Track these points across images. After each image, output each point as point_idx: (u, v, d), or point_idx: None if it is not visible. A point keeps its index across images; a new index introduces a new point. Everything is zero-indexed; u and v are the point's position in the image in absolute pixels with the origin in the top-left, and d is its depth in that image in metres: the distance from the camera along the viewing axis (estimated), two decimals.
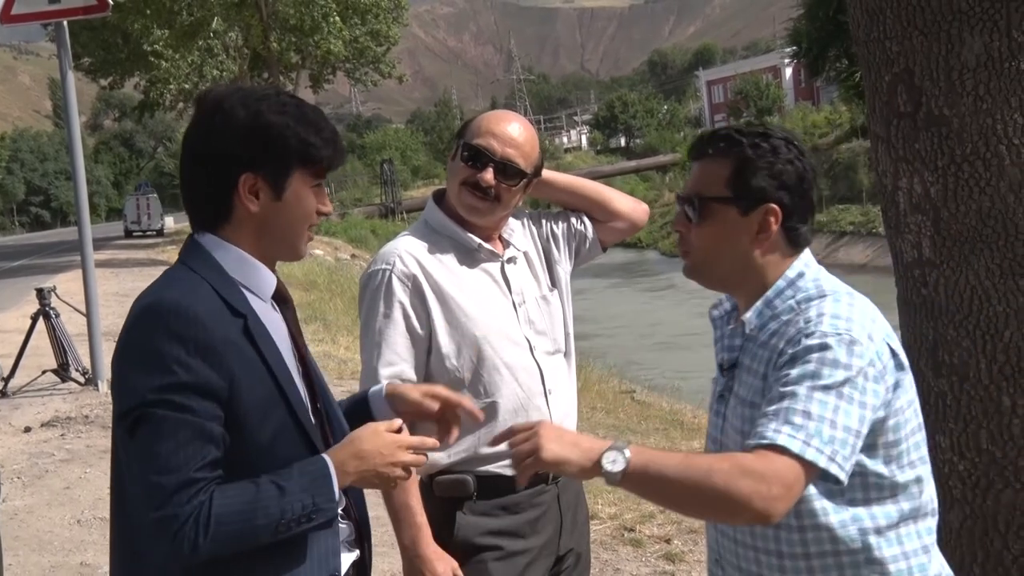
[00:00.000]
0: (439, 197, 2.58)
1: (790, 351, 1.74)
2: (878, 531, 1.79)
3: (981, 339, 2.32)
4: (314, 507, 1.64)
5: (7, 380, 8.74)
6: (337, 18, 26.90)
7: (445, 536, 2.40)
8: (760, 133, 1.88)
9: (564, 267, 2.66)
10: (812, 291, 1.84)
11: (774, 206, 1.84)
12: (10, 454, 6.82)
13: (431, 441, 1.81)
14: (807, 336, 1.73)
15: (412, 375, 2.40)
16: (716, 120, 70.59)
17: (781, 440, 1.63)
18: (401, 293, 2.41)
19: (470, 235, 2.49)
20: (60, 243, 38.83)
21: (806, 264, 1.89)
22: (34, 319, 9.19)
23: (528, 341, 2.49)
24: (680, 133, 69.49)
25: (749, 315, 1.86)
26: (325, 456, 1.70)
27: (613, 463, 1.66)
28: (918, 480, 1.83)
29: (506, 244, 2.58)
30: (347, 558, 1.81)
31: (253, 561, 1.65)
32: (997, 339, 2.32)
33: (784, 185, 1.85)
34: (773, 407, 1.69)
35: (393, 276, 2.42)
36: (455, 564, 2.38)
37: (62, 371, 9.01)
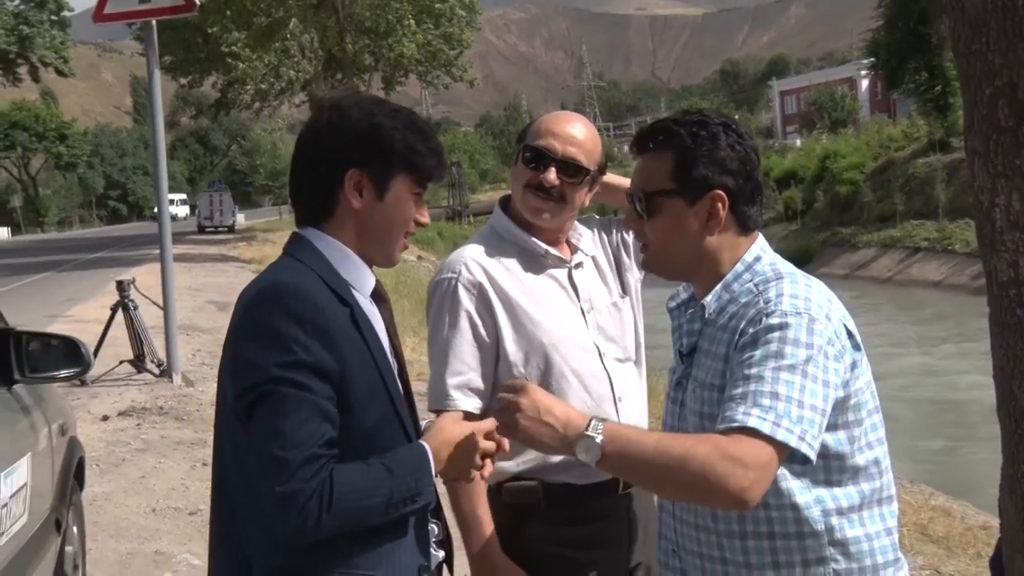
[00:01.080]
0: (505, 203, 2.58)
1: (751, 330, 1.75)
2: (840, 512, 1.79)
3: None
4: (417, 490, 1.69)
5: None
6: (412, 21, 27.20)
7: (513, 545, 2.39)
8: (697, 121, 1.88)
9: (634, 275, 2.64)
10: (769, 274, 1.86)
11: (720, 192, 1.85)
12: (88, 441, 6.99)
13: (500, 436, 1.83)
14: (767, 315, 1.75)
15: (480, 383, 2.40)
16: (788, 131, 69.69)
17: (752, 423, 1.64)
18: (467, 302, 2.41)
19: (535, 240, 2.48)
20: (136, 236, 39.87)
21: (762, 248, 1.91)
22: (113, 310, 9.44)
23: (597, 347, 2.46)
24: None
25: (708, 299, 1.88)
26: (423, 443, 1.76)
27: (587, 451, 1.67)
28: (876, 462, 1.84)
29: (574, 249, 2.56)
30: (437, 555, 1.85)
31: (358, 543, 1.69)
32: None
33: (727, 170, 1.86)
34: (739, 390, 1.69)
35: (459, 285, 2.42)
36: (524, 574, 2.37)
37: (138, 362, 9.24)
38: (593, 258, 2.59)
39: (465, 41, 30.81)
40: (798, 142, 55.10)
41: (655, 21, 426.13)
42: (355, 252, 1.81)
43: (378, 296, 1.86)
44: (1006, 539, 2.33)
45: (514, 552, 2.39)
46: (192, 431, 7.28)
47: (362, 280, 1.82)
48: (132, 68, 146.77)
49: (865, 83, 62.95)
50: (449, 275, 2.44)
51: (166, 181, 9.05)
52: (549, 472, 2.39)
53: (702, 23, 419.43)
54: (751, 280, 1.86)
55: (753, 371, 1.70)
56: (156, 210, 9.19)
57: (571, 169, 2.42)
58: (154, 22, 9.04)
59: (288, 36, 27.44)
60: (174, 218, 61.49)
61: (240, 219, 51.97)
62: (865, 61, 48.47)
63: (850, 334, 1.81)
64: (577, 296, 2.50)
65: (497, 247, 2.49)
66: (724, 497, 1.63)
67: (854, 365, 1.80)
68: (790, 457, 1.67)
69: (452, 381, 2.38)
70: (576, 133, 2.45)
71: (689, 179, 1.86)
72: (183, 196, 75.97)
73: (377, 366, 1.75)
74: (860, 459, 1.82)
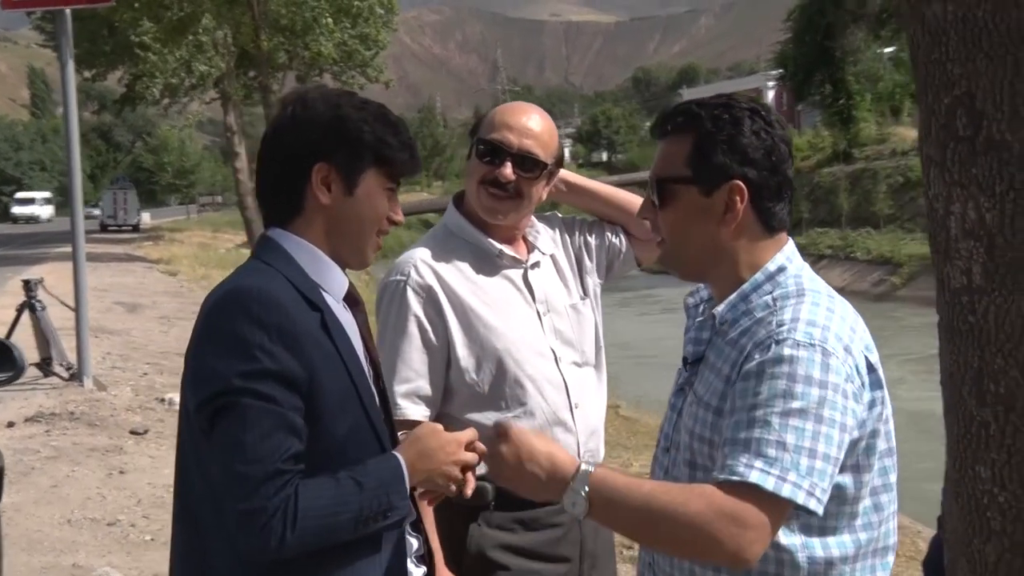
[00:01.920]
0: (459, 200, 2.48)
1: (757, 357, 1.58)
2: (829, 563, 1.65)
3: None
4: (389, 505, 1.62)
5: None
6: (329, 20, 26.83)
7: (458, 548, 2.32)
8: (721, 104, 1.72)
9: (594, 278, 2.57)
10: (791, 288, 1.68)
11: (739, 183, 1.67)
12: None
13: (480, 445, 1.76)
14: (777, 343, 1.57)
15: (429, 391, 2.32)
16: None
17: (754, 478, 1.49)
18: (416, 305, 2.33)
19: (490, 240, 2.39)
20: (34, 234, 38.40)
21: (788, 258, 1.73)
22: (19, 311, 9.05)
23: (553, 352, 2.39)
24: None
25: (721, 308, 1.71)
26: (397, 454, 1.68)
27: (573, 506, 1.55)
28: (879, 508, 1.70)
29: (531, 248, 2.47)
30: (416, 573, 1.77)
31: (326, 560, 1.62)
32: None
33: (749, 159, 1.68)
34: (743, 434, 1.53)
35: (408, 287, 2.33)
36: None
37: (45, 365, 8.88)
38: (552, 257, 2.51)
39: (381, 42, 30.53)
40: None
41: (569, 27, 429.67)
42: (326, 253, 1.73)
43: (351, 299, 1.79)
44: (949, 542, 2.36)
45: (460, 556, 2.30)
46: (107, 437, 7.02)
47: (334, 283, 1.74)
48: (28, 59, 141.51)
49: (771, 94, 64.48)
50: (398, 277, 2.36)
51: (80, 177, 8.73)
52: None
53: (615, 31, 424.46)
54: (770, 292, 1.68)
55: (759, 413, 1.53)
56: (71, 206, 8.81)
57: (528, 163, 2.34)
58: (68, 11, 8.70)
59: (201, 31, 26.80)
60: (36, 220, 58.01)
61: (145, 218, 50.56)
62: (773, 72, 49.73)
63: (871, 368, 1.65)
64: (533, 298, 2.42)
65: (449, 247, 2.40)
66: (720, 557, 1.51)
67: (872, 404, 1.64)
68: (797, 509, 1.53)
69: (400, 389, 2.30)
70: (532, 125, 2.36)
71: (706, 166, 1.68)
72: (46, 195, 64.16)
73: (349, 373, 1.67)
74: (861, 506, 1.66)
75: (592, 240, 2.59)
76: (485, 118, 2.43)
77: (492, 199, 2.35)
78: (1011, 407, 2.22)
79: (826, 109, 39.05)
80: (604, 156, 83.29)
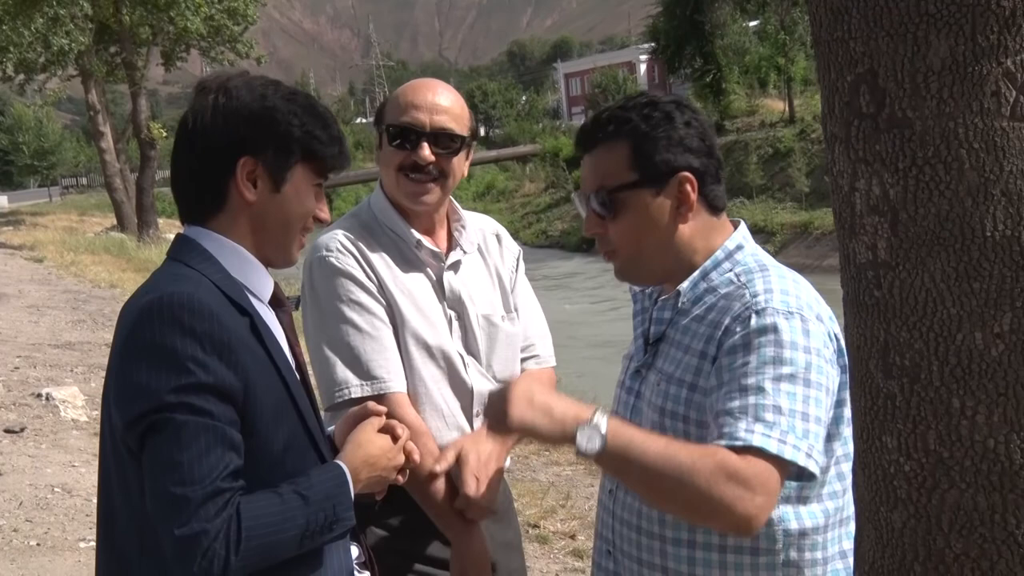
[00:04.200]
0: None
1: (739, 330, 1.62)
2: (802, 534, 1.70)
3: (934, 341, 2.34)
4: (335, 516, 1.55)
5: None
6: None
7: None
8: (647, 103, 1.76)
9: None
10: (752, 264, 1.74)
11: (686, 174, 1.73)
12: None
13: (411, 445, 1.75)
14: (757, 313, 1.62)
15: (397, 357, 2.18)
16: (574, 112, 71.66)
17: (757, 441, 1.52)
18: (357, 272, 2.21)
19: (411, 230, 2.29)
20: None
21: (744, 237, 1.79)
22: None
23: (461, 357, 2.30)
24: (539, 124, 70.19)
25: (684, 286, 1.74)
26: (340, 463, 1.61)
27: (589, 441, 1.51)
28: (840, 477, 1.74)
29: (454, 244, 2.37)
30: None
31: None
32: (950, 341, 2.34)
33: (689, 149, 1.74)
34: (737, 403, 1.55)
35: (339, 260, 2.21)
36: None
37: None
38: (480, 258, 2.40)
39: (250, 16, 29.63)
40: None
41: (441, 1, 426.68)
42: (250, 251, 1.63)
43: (277, 301, 1.69)
44: (857, 511, 2.42)
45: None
46: None
47: (260, 284, 1.65)
48: None
49: (644, 67, 65.54)
50: (324, 253, 2.22)
51: None
52: None
53: (487, 5, 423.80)
54: (731, 269, 1.72)
55: (751, 381, 1.56)
56: None
57: (444, 140, 2.25)
58: None
59: (56, 2, 25.45)
60: None
61: (2, 202, 48.14)
62: (645, 46, 50.53)
63: (835, 337, 1.69)
64: (444, 299, 2.32)
65: (369, 230, 2.29)
66: (726, 519, 1.50)
67: (842, 371, 1.68)
68: (797, 474, 1.56)
69: (375, 361, 2.17)
70: (441, 101, 2.27)
71: (651, 165, 1.72)
72: None
73: (284, 380, 1.59)
74: (830, 474, 1.71)
75: (506, 279, 2.46)
76: (389, 102, 2.32)
77: (414, 184, 2.25)
78: (916, 378, 2.28)
79: (696, 82, 39.95)
80: (482, 131, 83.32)
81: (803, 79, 37.35)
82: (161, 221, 29.55)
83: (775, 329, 1.59)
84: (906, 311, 2.31)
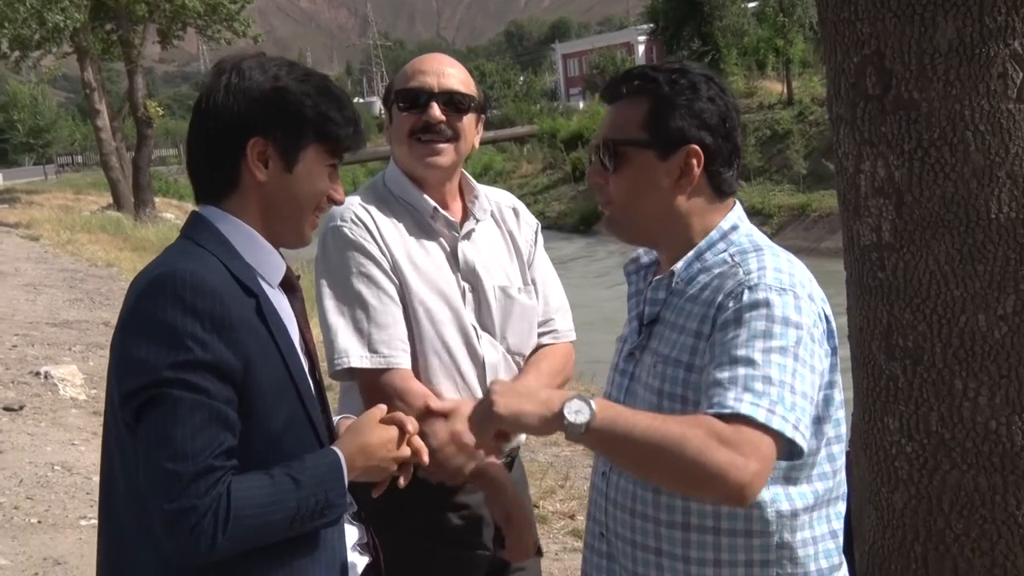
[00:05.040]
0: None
1: (732, 305, 1.61)
2: (794, 514, 1.68)
3: (937, 323, 2.35)
4: (327, 502, 1.54)
5: None
6: None
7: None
8: (677, 69, 1.74)
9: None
10: (746, 244, 1.72)
11: (695, 147, 1.70)
12: None
13: (417, 440, 1.73)
14: (750, 289, 1.61)
15: (404, 332, 2.18)
16: (572, 93, 71.37)
17: (745, 409, 1.48)
18: (368, 245, 2.20)
19: (426, 197, 2.28)
20: None
21: (739, 218, 1.77)
22: None
23: (475, 329, 2.28)
24: (537, 105, 69.92)
25: (679, 266, 1.73)
26: (336, 449, 1.60)
27: (577, 413, 1.49)
28: (832, 459, 1.74)
29: (468, 214, 2.35)
30: (360, 561, 1.70)
31: (262, 560, 1.54)
32: (953, 323, 2.35)
33: (705, 124, 1.71)
34: (726, 373, 1.53)
35: (352, 230, 2.20)
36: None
37: None
38: (497, 229, 2.40)
39: None
40: (581, 104, 56.54)
41: None
42: (261, 232, 1.63)
43: (288, 284, 1.69)
44: (857, 489, 2.43)
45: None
46: None
47: (270, 267, 1.64)
48: None
49: (642, 48, 65.26)
50: (339, 223, 2.21)
51: None
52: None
53: None
54: (726, 250, 1.71)
55: (741, 353, 1.54)
56: None
57: (454, 100, 2.25)
58: None
59: None
60: None
61: None
62: (644, 27, 50.36)
63: (826, 318, 1.67)
64: (458, 269, 2.30)
65: (384, 202, 2.29)
66: (719, 487, 1.46)
67: (829, 353, 1.67)
68: (786, 449, 1.52)
69: (378, 336, 2.15)
70: (448, 67, 2.28)
71: (663, 130, 1.69)
72: None
73: (285, 363, 1.58)
74: (820, 456, 1.69)
75: (525, 249, 2.44)
76: (396, 78, 2.33)
77: (425, 146, 2.24)
78: (919, 360, 2.29)
79: (694, 62, 39.83)
80: None
81: (801, 61, 37.21)
82: (157, 200, 29.47)
83: (767, 304, 1.58)
84: (909, 293, 2.31)
